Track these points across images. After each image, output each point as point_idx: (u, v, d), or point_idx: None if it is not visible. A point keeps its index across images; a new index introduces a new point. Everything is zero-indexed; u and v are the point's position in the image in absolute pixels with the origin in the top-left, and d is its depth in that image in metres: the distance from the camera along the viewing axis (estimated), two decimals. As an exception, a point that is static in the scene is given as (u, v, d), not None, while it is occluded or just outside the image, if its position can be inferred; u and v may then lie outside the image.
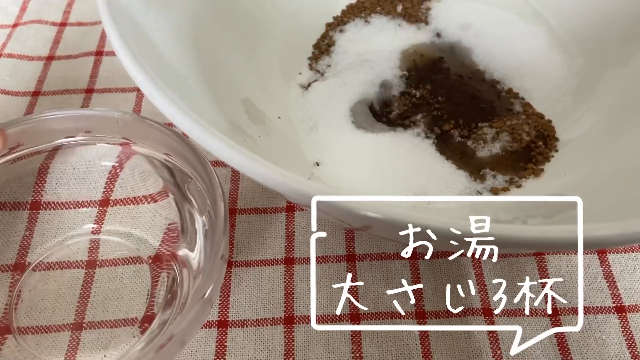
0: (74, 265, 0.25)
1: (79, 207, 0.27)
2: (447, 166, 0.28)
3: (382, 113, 0.30)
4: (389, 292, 0.25)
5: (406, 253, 0.26)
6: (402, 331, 0.24)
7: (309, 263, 0.26)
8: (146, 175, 0.27)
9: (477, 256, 0.27)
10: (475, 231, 0.15)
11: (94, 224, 0.26)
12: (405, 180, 0.27)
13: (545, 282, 0.26)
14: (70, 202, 0.27)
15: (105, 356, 0.23)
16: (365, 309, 0.25)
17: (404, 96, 0.30)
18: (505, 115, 0.29)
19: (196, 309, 0.20)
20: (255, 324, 0.25)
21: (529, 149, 0.28)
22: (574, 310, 0.25)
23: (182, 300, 0.23)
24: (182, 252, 0.25)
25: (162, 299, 0.24)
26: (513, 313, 0.25)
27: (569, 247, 0.15)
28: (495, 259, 0.27)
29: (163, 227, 0.26)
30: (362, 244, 0.27)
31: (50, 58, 0.35)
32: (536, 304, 0.25)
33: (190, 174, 0.25)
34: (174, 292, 0.24)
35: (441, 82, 0.31)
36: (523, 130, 0.29)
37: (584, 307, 0.25)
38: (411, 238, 0.18)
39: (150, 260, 0.25)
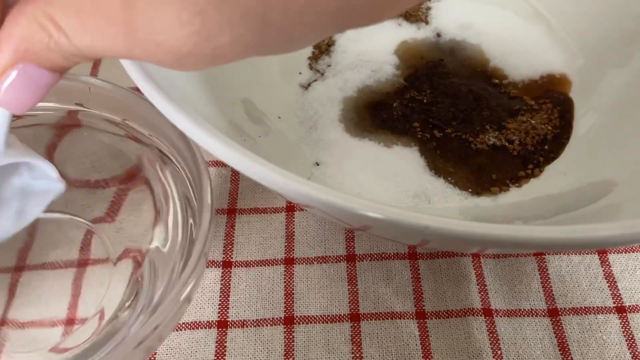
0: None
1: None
2: (447, 168, 0.28)
3: (382, 114, 0.30)
4: (389, 292, 0.25)
5: (406, 253, 0.26)
6: (402, 331, 0.24)
7: (309, 263, 0.26)
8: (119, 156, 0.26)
9: (477, 256, 0.27)
10: (475, 231, 0.15)
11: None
12: (406, 181, 0.27)
13: (546, 282, 0.26)
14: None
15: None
16: (366, 309, 0.25)
17: (405, 98, 0.30)
18: (516, 116, 0.29)
19: (175, 307, 0.19)
20: (255, 324, 0.25)
21: (533, 151, 0.28)
22: (574, 310, 0.25)
23: (150, 293, 0.23)
24: (154, 245, 0.24)
25: (125, 291, 0.24)
26: (513, 313, 0.25)
27: (569, 247, 0.15)
28: (495, 259, 0.27)
29: (134, 215, 0.25)
30: (362, 244, 0.27)
31: (50, 58, 0.35)
32: (536, 303, 0.25)
33: (170, 155, 0.24)
34: (138, 287, 0.24)
35: (442, 84, 0.31)
36: (543, 123, 0.29)
37: (585, 308, 0.25)
38: (411, 238, 0.18)
39: (119, 254, 0.25)
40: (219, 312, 0.25)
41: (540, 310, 0.25)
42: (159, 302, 0.22)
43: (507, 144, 0.28)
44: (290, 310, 0.25)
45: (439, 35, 0.33)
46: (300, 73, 0.32)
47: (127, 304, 0.23)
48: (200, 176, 0.22)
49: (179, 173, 0.24)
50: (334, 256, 0.27)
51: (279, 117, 0.29)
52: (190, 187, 0.23)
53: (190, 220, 0.23)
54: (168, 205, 0.24)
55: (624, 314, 0.25)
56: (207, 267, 0.26)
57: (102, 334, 0.22)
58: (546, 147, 0.28)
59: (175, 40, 0.13)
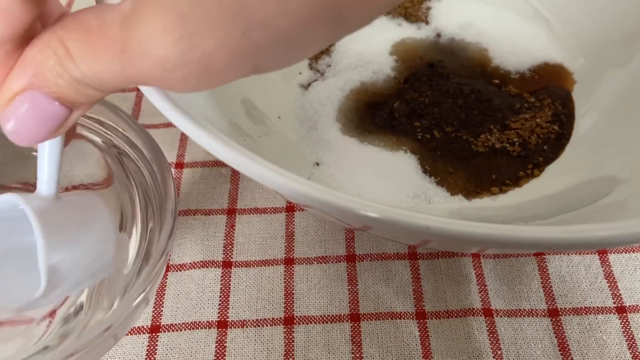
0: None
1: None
2: (447, 168, 0.28)
3: (383, 114, 0.30)
4: (389, 292, 0.25)
5: (406, 253, 0.26)
6: (402, 331, 0.24)
7: (309, 263, 0.26)
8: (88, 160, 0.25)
9: (477, 256, 0.27)
10: (475, 231, 0.15)
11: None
12: (406, 181, 0.27)
13: (546, 282, 0.26)
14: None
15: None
16: (366, 309, 0.25)
17: (405, 98, 0.30)
18: (519, 114, 0.29)
19: (131, 308, 0.19)
20: (255, 324, 0.25)
21: (533, 151, 0.28)
22: (574, 310, 0.25)
23: (102, 292, 0.23)
24: None
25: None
26: (513, 313, 0.25)
27: (569, 247, 0.15)
28: (495, 259, 0.27)
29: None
30: (362, 244, 0.27)
31: (50, 58, 0.35)
32: (536, 303, 0.25)
33: (132, 155, 0.24)
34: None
35: (442, 85, 0.31)
36: (548, 121, 0.29)
37: (585, 308, 0.25)
38: (412, 238, 0.18)
39: None
40: (219, 312, 0.25)
41: (541, 310, 0.25)
42: (113, 300, 0.22)
43: (507, 145, 0.28)
44: (290, 310, 0.25)
45: (439, 35, 0.33)
46: (300, 73, 0.32)
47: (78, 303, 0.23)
48: (165, 179, 0.21)
49: (140, 172, 0.24)
50: (334, 256, 0.27)
51: (279, 117, 0.29)
52: (150, 187, 0.23)
53: (150, 219, 0.23)
54: (132, 205, 0.24)
55: (624, 314, 0.25)
56: (207, 267, 0.26)
57: (56, 334, 0.22)
58: (546, 147, 0.28)
59: (161, 49, 0.12)
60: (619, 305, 0.25)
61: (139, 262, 0.22)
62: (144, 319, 0.25)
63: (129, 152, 0.24)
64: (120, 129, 0.24)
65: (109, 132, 0.24)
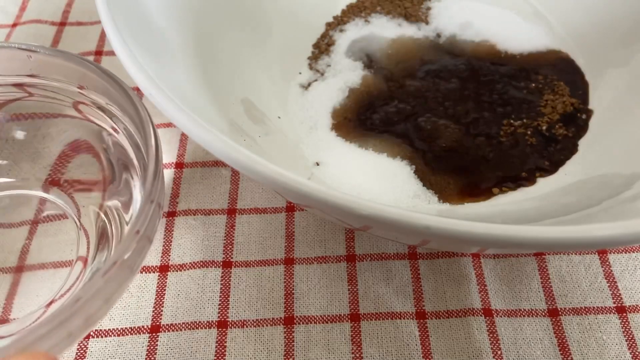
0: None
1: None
2: (447, 169, 0.28)
3: (383, 114, 0.30)
4: (389, 292, 0.25)
5: (407, 253, 0.26)
6: (402, 331, 0.24)
7: (309, 263, 0.26)
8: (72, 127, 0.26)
9: (477, 256, 0.27)
10: (475, 231, 0.15)
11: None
12: (406, 181, 0.27)
13: (546, 282, 0.26)
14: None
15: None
16: (366, 309, 0.25)
17: (405, 99, 0.30)
18: (526, 114, 0.30)
19: (134, 240, 0.19)
20: (255, 324, 0.25)
21: (534, 151, 0.28)
22: (574, 310, 0.25)
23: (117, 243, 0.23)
24: (112, 203, 0.25)
25: (92, 250, 0.24)
26: (513, 313, 0.25)
27: (569, 247, 0.15)
28: (495, 259, 0.27)
29: (86, 180, 0.26)
30: (362, 244, 0.27)
31: (50, 58, 0.35)
32: (536, 303, 0.25)
33: (118, 115, 0.24)
34: (106, 240, 0.24)
35: (442, 85, 0.31)
36: (553, 110, 0.29)
37: (585, 308, 0.25)
38: (412, 238, 0.18)
39: (78, 215, 0.25)
40: (219, 312, 0.25)
41: (540, 310, 0.25)
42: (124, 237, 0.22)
43: (509, 146, 0.28)
44: (290, 310, 0.25)
45: (439, 35, 0.33)
46: (300, 73, 0.32)
47: (96, 254, 0.24)
48: (146, 136, 0.21)
49: (123, 124, 0.24)
50: (334, 256, 0.27)
51: (279, 117, 0.29)
52: (137, 137, 0.23)
53: (142, 168, 0.23)
54: (124, 160, 0.25)
55: (624, 314, 0.25)
56: (207, 267, 0.26)
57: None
58: (547, 147, 0.28)
59: None
60: (619, 305, 0.25)
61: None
62: (144, 318, 0.25)
63: (118, 115, 0.24)
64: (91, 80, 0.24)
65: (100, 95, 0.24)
